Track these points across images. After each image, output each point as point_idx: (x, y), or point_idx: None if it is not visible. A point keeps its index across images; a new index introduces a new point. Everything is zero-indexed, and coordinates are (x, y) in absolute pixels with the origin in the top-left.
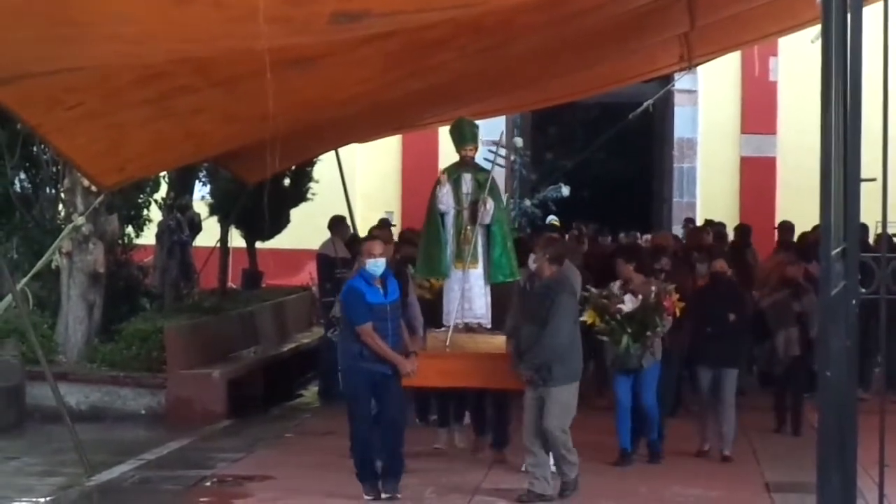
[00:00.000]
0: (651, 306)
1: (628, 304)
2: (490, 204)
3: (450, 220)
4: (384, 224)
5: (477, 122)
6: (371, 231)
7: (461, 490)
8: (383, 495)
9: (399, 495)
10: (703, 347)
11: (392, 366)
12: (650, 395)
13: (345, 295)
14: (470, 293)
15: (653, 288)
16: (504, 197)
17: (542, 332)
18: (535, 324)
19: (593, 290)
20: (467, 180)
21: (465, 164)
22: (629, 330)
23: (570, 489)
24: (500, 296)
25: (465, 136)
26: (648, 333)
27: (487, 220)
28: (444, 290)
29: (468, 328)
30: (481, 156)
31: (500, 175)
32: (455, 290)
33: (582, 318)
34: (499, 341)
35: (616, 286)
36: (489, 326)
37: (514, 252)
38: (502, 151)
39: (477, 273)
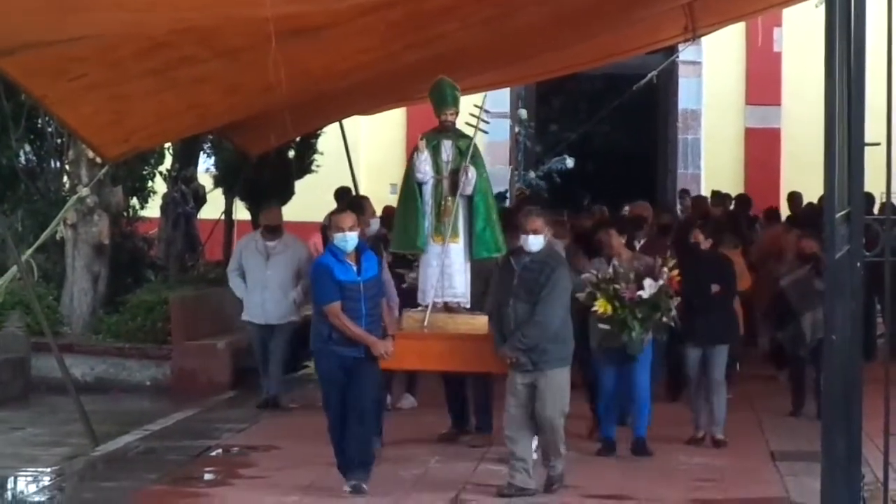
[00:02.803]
0: (663, 289)
1: (648, 289)
2: (472, 172)
3: (428, 190)
4: (363, 199)
5: (481, 93)
6: (349, 203)
7: (446, 483)
8: (346, 487)
9: (365, 486)
10: (689, 324)
11: (365, 348)
12: (644, 376)
13: (312, 271)
14: (450, 269)
15: (664, 269)
16: (512, 169)
17: (534, 310)
18: (526, 302)
19: (595, 273)
20: (447, 147)
21: (446, 129)
22: (639, 315)
23: (557, 482)
24: (479, 272)
25: (445, 99)
26: (663, 319)
27: (469, 191)
28: (421, 265)
29: (447, 307)
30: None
31: (483, 142)
32: (433, 266)
33: (593, 308)
34: (480, 322)
35: (609, 263)
36: (468, 306)
37: (499, 225)
38: (485, 116)
39: (458, 248)
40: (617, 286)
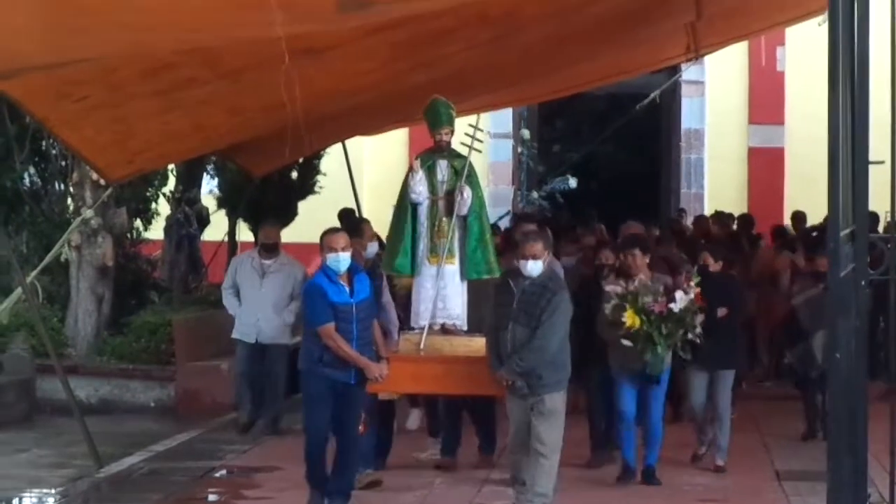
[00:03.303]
0: (689, 306)
1: (679, 302)
2: (467, 193)
3: (423, 211)
4: (362, 221)
5: (484, 114)
6: (348, 226)
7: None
8: None
9: None
10: (695, 348)
11: (356, 374)
12: (658, 404)
13: (305, 292)
14: (445, 291)
15: (691, 283)
16: (515, 189)
17: (533, 334)
18: (525, 326)
19: (624, 286)
20: (443, 167)
21: (441, 149)
22: (664, 332)
23: None
24: (474, 294)
25: (439, 118)
26: (689, 336)
27: (465, 211)
28: (415, 287)
29: (444, 330)
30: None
31: (477, 160)
32: (427, 289)
33: (623, 321)
34: (477, 344)
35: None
36: (465, 328)
37: (492, 245)
38: (479, 135)
39: (453, 269)
40: (646, 299)
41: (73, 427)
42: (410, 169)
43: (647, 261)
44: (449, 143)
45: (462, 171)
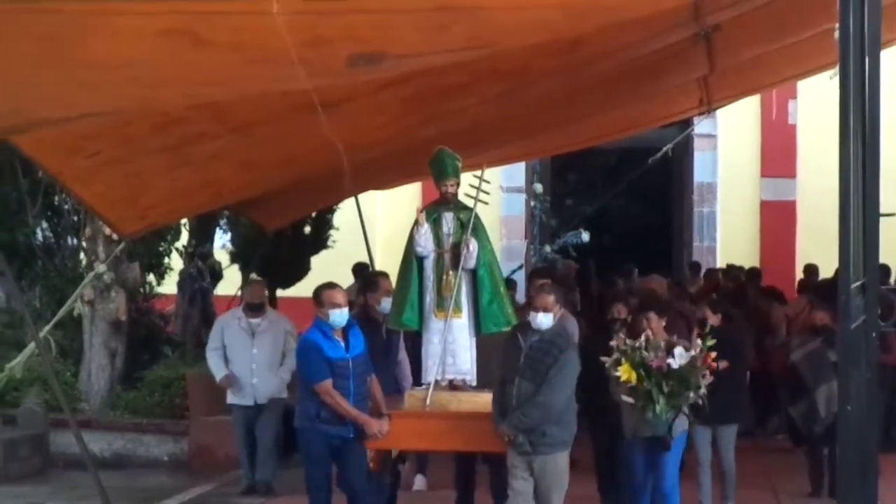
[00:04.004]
0: (694, 364)
1: (678, 358)
2: (473, 245)
3: (429, 264)
4: (379, 275)
5: (496, 168)
6: (372, 274)
7: None
8: None
9: None
10: (696, 403)
11: (354, 428)
12: (673, 468)
13: (300, 349)
14: (453, 346)
15: (698, 341)
16: (528, 243)
17: (538, 391)
18: (531, 381)
19: (627, 340)
20: (448, 220)
21: (447, 201)
22: (665, 391)
23: None
24: (486, 348)
25: (445, 170)
26: (691, 395)
27: (471, 264)
28: (424, 343)
29: (452, 386)
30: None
31: (489, 214)
32: (435, 344)
33: (616, 374)
34: (484, 400)
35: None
36: (475, 384)
37: (507, 297)
38: (486, 187)
39: (461, 323)
40: (645, 354)
41: (87, 481)
42: (416, 222)
43: (664, 323)
44: (455, 195)
45: (468, 223)
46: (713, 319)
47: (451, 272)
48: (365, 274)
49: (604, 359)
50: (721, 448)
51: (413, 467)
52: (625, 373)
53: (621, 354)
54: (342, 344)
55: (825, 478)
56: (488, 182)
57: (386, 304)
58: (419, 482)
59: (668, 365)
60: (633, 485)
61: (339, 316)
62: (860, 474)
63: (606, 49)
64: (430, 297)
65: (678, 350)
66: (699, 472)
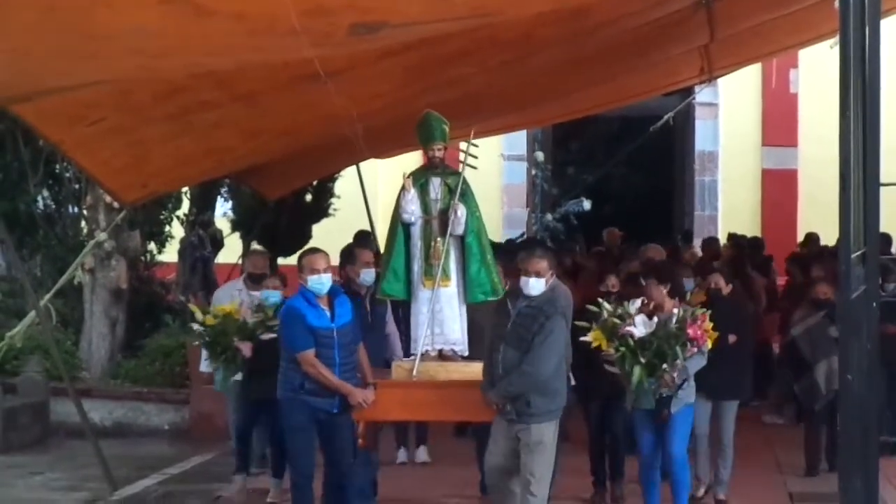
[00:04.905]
0: (670, 333)
1: (640, 327)
2: (461, 211)
3: (416, 231)
4: (357, 247)
5: (497, 136)
6: (350, 246)
7: None
8: None
9: None
10: (700, 376)
11: (340, 401)
12: (678, 446)
13: (283, 316)
14: (441, 315)
15: (675, 311)
16: (529, 212)
17: (523, 358)
18: (516, 348)
19: (607, 305)
20: (436, 185)
21: (434, 166)
22: (642, 360)
23: None
24: (476, 317)
25: (432, 133)
26: (665, 367)
27: (459, 231)
28: (412, 313)
29: (442, 356)
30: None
31: (491, 182)
32: (423, 313)
33: (585, 338)
34: (474, 369)
35: (634, 306)
36: (466, 353)
37: (495, 266)
38: (474, 150)
39: (449, 292)
40: (616, 321)
41: (87, 450)
42: (402, 188)
43: (666, 290)
44: (442, 160)
45: (456, 188)
46: (726, 290)
47: (438, 239)
48: (356, 242)
49: (579, 323)
50: (720, 426)
51: (414, 442)
52: (595, 338)
53: (594, 319)
54: (327, 312)
55: (820, 457)
56: (476, 146)
57: (366, 275)
58: (421, 454)
59: (631, 333)
60: (642, 463)
61: (317, 282)
62: (861, 442)
63: (608, 18)
64: (417, 266)
65: (640, 318)
66: (695, 445)
